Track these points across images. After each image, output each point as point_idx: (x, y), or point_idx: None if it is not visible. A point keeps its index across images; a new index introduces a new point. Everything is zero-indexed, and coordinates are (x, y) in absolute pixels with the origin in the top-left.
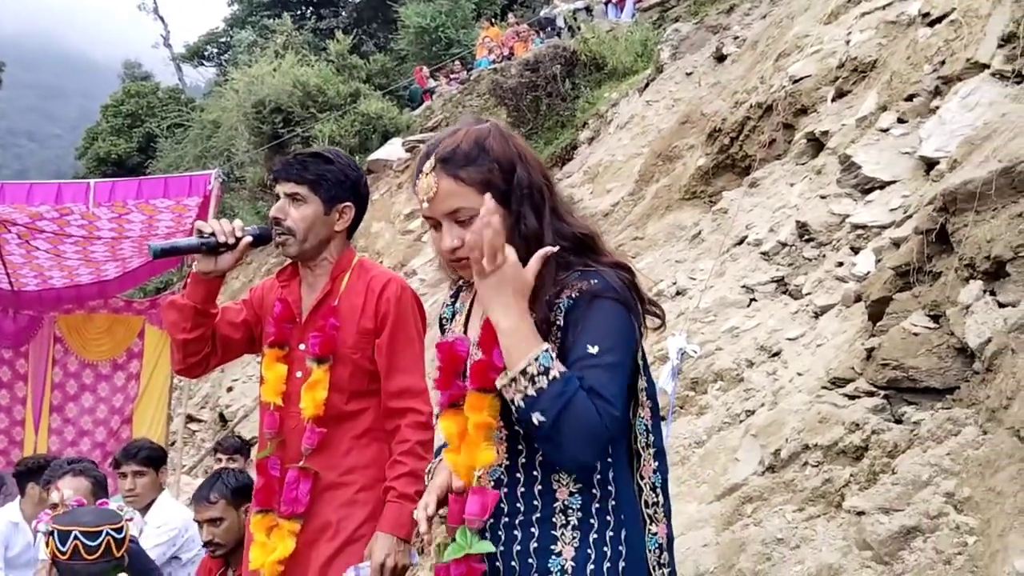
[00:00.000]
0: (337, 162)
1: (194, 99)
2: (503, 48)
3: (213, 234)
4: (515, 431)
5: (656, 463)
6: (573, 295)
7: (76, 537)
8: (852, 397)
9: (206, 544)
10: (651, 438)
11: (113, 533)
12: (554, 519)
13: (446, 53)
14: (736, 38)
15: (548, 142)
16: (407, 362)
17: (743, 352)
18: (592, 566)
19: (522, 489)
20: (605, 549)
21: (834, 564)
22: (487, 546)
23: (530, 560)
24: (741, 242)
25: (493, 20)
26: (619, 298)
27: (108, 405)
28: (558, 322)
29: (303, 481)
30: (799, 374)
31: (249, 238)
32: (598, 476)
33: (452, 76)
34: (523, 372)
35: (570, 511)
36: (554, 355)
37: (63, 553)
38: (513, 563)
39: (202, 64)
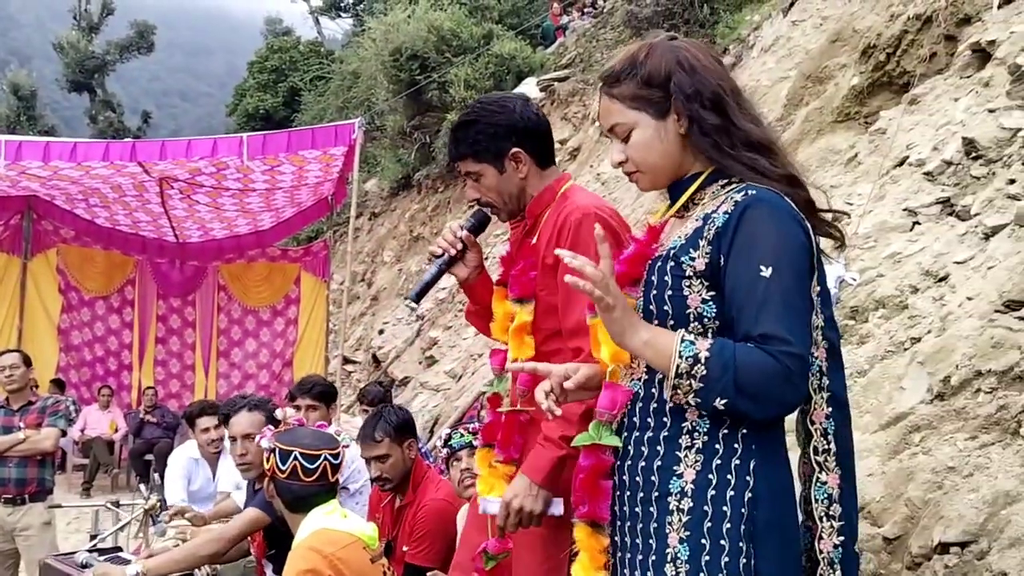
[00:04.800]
0: (481, 118)
1: (333, 51)
2: None
3: (444, 251)
4: None
5: (830, 409)
6: (728, 209)
7: (296, 458)
8: None
9: (375, 480)
10: (824, 381)
11: (330, 458)
12: (680, 440)
13: None
14: None
15: None
16: (580, 297)
17: (907, 278)
18: (713, 492)
19: (655, 405)
20: (729, 477)
21: (1012, 491)
22: (615, 440)
23: (652, 478)
24: (902, 163)
25: None
26: (786, 210)
27: (270, 349)
28: (707, 236)
29: (516, 425)
30: (969, 299)
31: (468, 234)
32: None
33: (585, 10)
34: (678, 375)
35: (696, 433)
36: (693, 337)
37: (282, 471)
38: (637, 479)
39: (339, 16)
